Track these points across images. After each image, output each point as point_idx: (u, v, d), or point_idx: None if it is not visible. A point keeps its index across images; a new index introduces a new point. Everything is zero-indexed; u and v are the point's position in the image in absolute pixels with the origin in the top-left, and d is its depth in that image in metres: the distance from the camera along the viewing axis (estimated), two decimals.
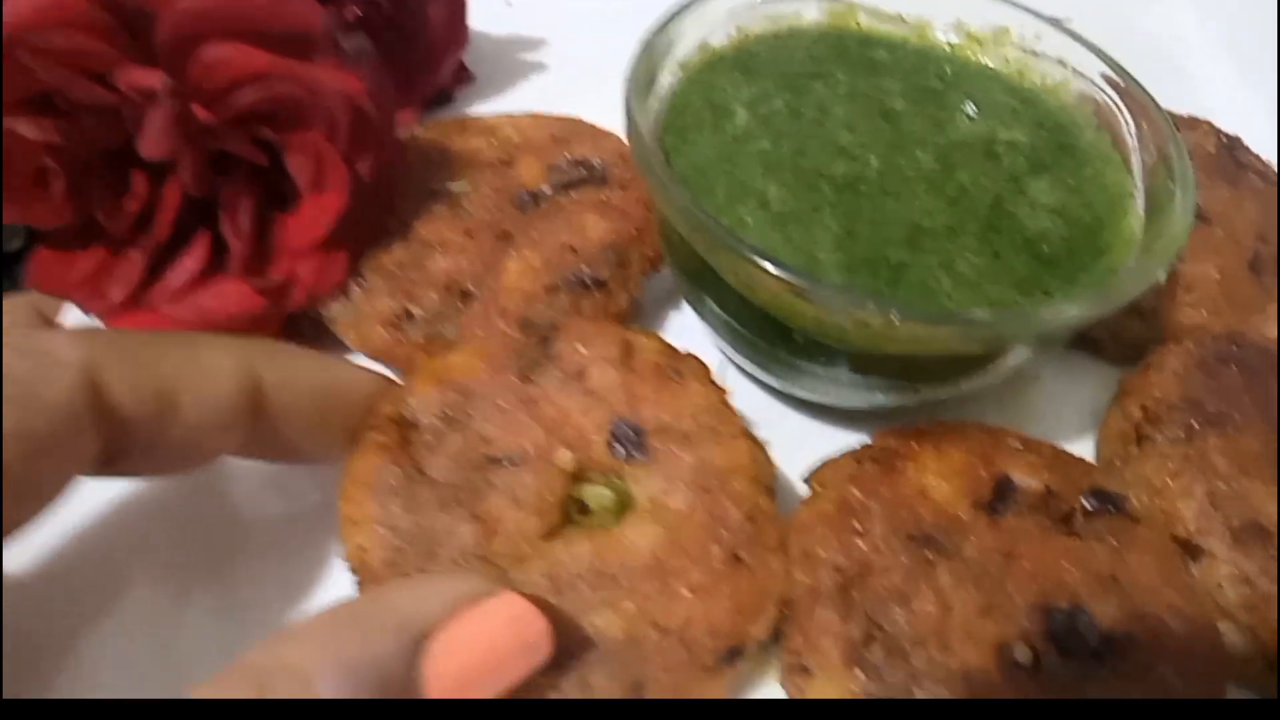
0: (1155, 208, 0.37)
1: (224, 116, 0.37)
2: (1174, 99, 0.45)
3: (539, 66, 0.58)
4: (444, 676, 0.27)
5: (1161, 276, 0.34)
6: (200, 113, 0.36)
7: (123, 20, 0.35)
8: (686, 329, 0.46)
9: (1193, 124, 0.50)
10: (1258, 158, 0.49)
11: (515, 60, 0.59)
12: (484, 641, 0.28)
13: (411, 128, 0.48)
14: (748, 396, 0.44)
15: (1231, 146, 0.49)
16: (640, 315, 0.47)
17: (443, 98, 0.54)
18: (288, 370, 0.33)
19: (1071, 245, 0.37)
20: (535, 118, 0.48)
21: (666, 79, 0.41)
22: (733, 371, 0.45)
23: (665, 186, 0.35)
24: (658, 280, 0.47)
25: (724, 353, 0.45)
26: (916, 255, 0.36)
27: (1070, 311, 0.33)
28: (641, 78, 0.39)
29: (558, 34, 0.61)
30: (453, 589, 0.28)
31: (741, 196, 0.38)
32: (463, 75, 0.55)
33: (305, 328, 0.41)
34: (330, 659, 0.25)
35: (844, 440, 0.39)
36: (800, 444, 0.39)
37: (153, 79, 0.35)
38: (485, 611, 0.28)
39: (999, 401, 0.44)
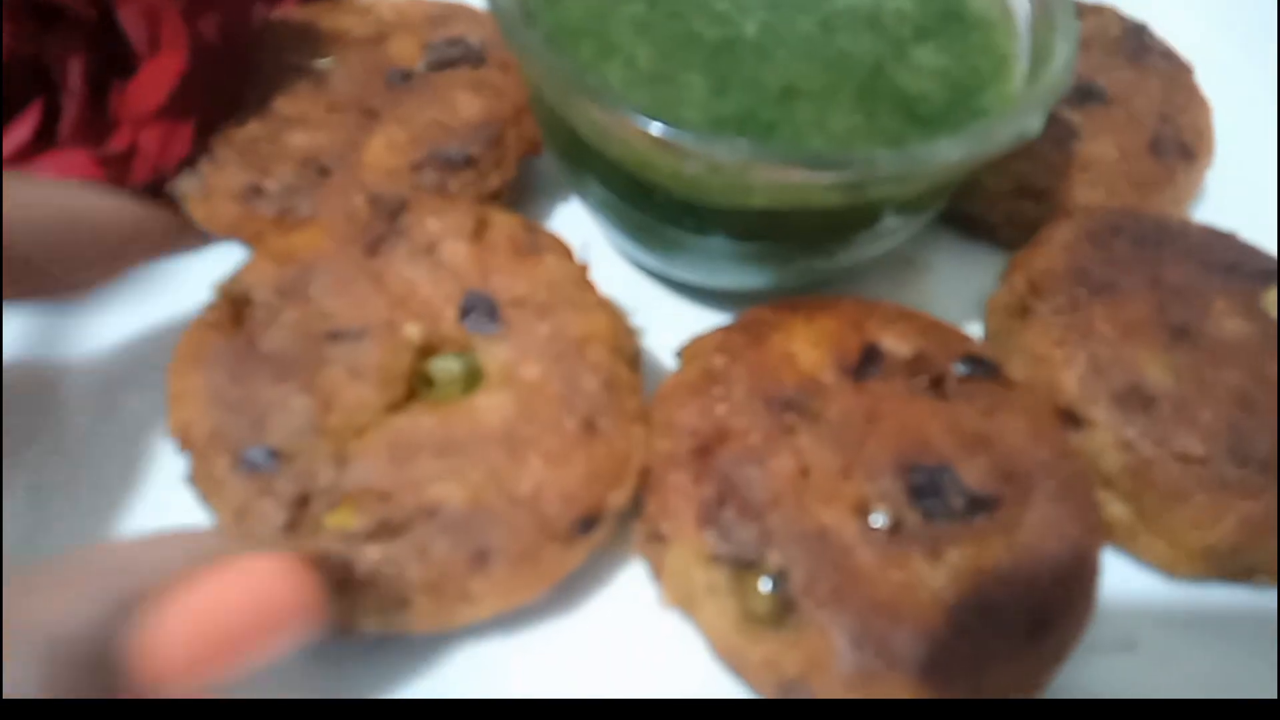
0: (1037, 63, 0.36)
1: None
2: None
3: None
4: (162, 648, 0.21)
5: (1036, 125, 0.32)
6: None
7: None
8: (571, 221, 0.44)
9: (1097, 10, 0.49)
10: (1162, 42, 0.48)
11: None
12: (211, 609, 0.22)
13: (285, 10, 0.45)
14: (628, 283, 0.42)
15: (1136, 31, 0.47)
16: (524, 207, 0.44)
17: None
18: (24, 196, 0.29)
19: (950, 106, 0.36)
20: (414, 0, 0.46)
21: None
22: (613, 256, 0.43)
23: (513, 32, 0.33)
24: (544, 175, 0.45)
25: (613, 243, 0.43)
26: (787, 114, 0.35)
27: (932, 152, 0.31)
28: None
29: None
30: (183, 547, 0.23)
31: (608, 56, 0.36)
32: None
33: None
34: (10, 624, 0.20)
35: (724, 323, 0.38)
36: (682, 330, 0.38)
37: None
38: (221, 574, 0.22)
39: (890, 288, 0.43)
